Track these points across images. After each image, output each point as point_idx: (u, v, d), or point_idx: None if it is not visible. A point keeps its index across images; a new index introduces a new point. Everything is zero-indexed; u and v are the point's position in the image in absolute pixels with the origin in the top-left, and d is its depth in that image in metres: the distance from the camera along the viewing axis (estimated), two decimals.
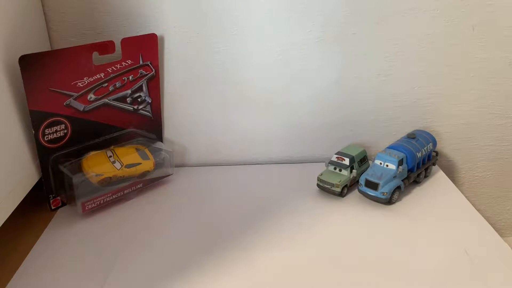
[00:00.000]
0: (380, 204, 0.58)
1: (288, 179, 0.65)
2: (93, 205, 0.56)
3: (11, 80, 0.50)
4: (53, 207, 0.58)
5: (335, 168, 0.60)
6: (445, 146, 0.71)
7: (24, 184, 0.52)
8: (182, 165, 0.71)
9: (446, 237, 0.51)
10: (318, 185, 0.60)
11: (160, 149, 0.62)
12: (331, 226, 0.54)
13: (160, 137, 0.67)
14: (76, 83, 0.54)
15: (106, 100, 0.58)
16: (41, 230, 0.54)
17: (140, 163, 0.59)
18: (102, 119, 0.59)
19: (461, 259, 0.47)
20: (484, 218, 0.55)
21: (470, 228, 0.53)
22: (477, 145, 0.71)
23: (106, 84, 0.57)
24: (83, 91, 0.55)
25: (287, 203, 0.59)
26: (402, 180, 0.58)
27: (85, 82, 0.55)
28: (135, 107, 0.62)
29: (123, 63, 0.58)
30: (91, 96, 0.56)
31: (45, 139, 0.54)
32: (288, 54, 0.64)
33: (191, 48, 0.63)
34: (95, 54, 0.55)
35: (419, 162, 0.61)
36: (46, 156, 0.54)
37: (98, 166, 0.55)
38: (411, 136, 0.62)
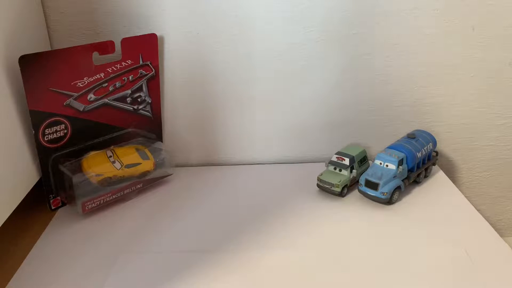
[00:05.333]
0: (380, 204, 0.58)
1: (288, 179, 0.65)
2: (93, 205, 0.56)
3: (11, 80, 0.50)
4: (53, 207, 0.58)
5: (335, 168, 0.60)
6: (445, 146, 0.71)
7: (24, 184, 0.52)
8: (182, 165, 0.71)
9: (446, 237, 0.51)
10: (318, 185, 0.60)
11: (160, 149, 0.62)
12: (331, 226, 0.54)
13: (160, 137, 0.67)
14: (76, 83, 0.54)
15: (106, 100, 0.58)
16: (41, 230, 0.54)
17: (140, 163, 0.59)
18: (102, 119, 0.59)
19: (461, 259, 0.47)
20: (484, 218, 0.55)
21: (470, 228, 0.53)
22: (477, 145, 0.71)
23: (106, 84, 0.57)
24: (83, 91, 0.55)
25: (287, 203, 0.59)
26: (402, 180, 0.58)
27: (85, 82, 0.55)
28: (135, 107, 0.62)
29: (123, 63, 0.58)
30: (91, 96, 0.56)
31: (45, 139, 0.54)
32: (288, 54, 0.64)
33: (191, 48, 0.63)
34: (95, 54, 0.55)
35: (419, 162, 0.61)
36: (46, 156, 0.54)
37: (98, 166, 0.55)
38: (411, 136, 0.62)
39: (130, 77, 0.60)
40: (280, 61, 0.64)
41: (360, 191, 0.58)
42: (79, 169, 0.55)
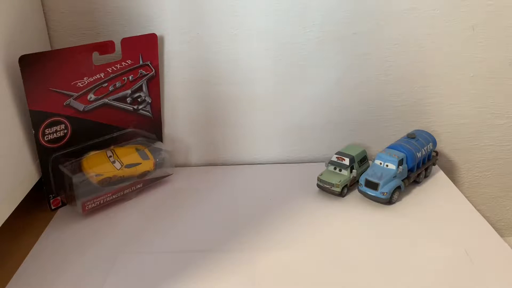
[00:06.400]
0: (380, 204, 0.58)
1: (288, 179, 0.65)
2: (93, 205, 0.56)
3: (11, 80, 0.50)
4: (53, 207, 0.58)
5: (335, 168, 0.60)
6: (445, 146, 0.71)
7: (24, 184, 0.52)
8: (182, 165, 0.71)
9: (446, 237, 0.51)
10: (318, 185, 0.60)
11: (160, 149, 0.62)
12: (331, 226, 0.54)
13: (160, 137, 0.67)
14: (76, 83, 0.54)
15: (106, 100, 0.58)
16: (41, 230, 0.54)
17: (140, 163, 0.59)
18: (102, 119, 0.59)
19: (461, 259, 0.47)
20: (484, 218, 0.55)
21: (470, 228, 0.53)
22: (477, 145, 0.71)
23: (106, 84, 0.57)
24: (83, 91, 0.55)
25: (287, 203, 0.59)
26: (402, 180, 0.58)
27: (85, 82, 0.55)
28: (135, 107, 0.62)
29: (123, 63, 0.58)
30: (91, 96, 0.56)
31: (45, 139, 0.54)
32: (288, 54, 0.64)
33: (191, 48, 0.63)
34: (95, 54, 0.55)
35: (419, 162, 0.61)
36: (46, 156, 0.54)
37: (98, 166, 0.55)
38: (411, 136, 0.62)
39: (130, 77, 0.60)
40: (280, 61, 0.64)
41: (360, 191, 0.58)
42: (79, 169, 0.55)
